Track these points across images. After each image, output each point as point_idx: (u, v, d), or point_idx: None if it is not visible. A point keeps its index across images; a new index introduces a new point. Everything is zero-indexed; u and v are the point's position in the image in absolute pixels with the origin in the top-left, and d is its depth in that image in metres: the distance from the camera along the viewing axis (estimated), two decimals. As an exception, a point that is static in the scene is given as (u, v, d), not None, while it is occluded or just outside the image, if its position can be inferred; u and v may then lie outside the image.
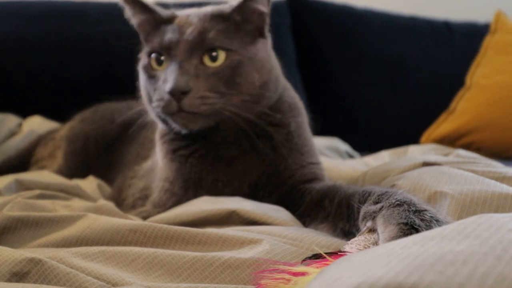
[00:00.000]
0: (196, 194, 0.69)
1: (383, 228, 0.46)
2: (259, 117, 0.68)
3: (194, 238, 0.55)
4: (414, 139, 1.57)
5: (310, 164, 0.72)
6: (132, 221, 0.58)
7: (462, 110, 1.54)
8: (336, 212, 0.59)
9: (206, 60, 0.65)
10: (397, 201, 0.49)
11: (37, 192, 0.66)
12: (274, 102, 0.71)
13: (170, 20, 0.69)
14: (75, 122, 1.02)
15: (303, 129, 0.74)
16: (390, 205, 0.49)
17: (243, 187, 0.70)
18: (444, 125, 1.55)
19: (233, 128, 0.68)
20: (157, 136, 0.77)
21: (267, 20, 0.71)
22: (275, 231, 0.54)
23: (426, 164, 0.68)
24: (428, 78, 1.70)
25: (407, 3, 1.86)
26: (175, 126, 0.68)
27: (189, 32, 0.66)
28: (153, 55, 0.68)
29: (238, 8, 0.68)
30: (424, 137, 1.58)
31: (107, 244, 0.55)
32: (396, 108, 1.67)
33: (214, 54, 0.65)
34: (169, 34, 0.66)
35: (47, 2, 1.57)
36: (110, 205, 0.64)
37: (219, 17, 0.68)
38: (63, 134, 1.01)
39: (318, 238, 0.53)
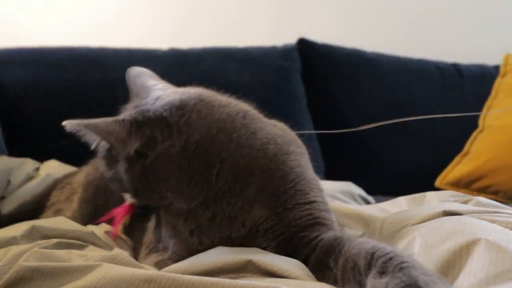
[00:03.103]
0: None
1: None
2: None
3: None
4: (428, 182, 1.55)
5: (312, 203, 0.68)
6: (147, 271, 0.58)
7: (477, 152, 1.53)
8: (343, 276, 0.57)
9: None
10: (402, 282, 0.47)
11: (54, 241, 0.65)
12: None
13: None
14: (91, 169, 1.01)
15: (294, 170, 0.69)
16: (395, 286, 0.47)
17: (240, 228, 0.67)
18: (458, 167, 1.54)
19: None
20: None
21: None
22: (296, 284, 0.53)
23: (446, 213, 0.66)
24: (440, 120, 1.70)
25: (415, 47, 1.90)
26: None
27: None
28: None
29: None
30: (438, 180, 1.56)
31: (122, 294, 0.53)
32: (409, 151, 1.67)
33: None
34: None
35: (66, 49, 1.64)
36: (125, 254, 0.63)
37: None
38: (80, 180, 1.01)
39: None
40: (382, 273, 0.50)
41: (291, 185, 0.67)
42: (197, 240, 0.69)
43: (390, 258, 0.51)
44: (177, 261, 0.66)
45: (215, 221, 0.67)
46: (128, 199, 0.75)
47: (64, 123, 0.68)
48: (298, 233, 0.66)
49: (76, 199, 0.98)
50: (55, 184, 1.09)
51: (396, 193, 1.17)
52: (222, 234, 0.67)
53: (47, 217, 0.98)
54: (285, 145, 0.70)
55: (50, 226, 0.72)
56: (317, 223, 0.67)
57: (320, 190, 0.72)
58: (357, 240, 0.60)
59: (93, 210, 0.94)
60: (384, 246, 0.54)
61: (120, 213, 0.78)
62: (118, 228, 0.79)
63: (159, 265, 0.69)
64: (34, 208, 1.03)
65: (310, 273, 0.61)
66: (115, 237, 0.79)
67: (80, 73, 1.57)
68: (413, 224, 0.65)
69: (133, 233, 0.87)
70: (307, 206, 0.67)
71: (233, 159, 0.66)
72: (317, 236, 0.65)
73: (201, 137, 0.66)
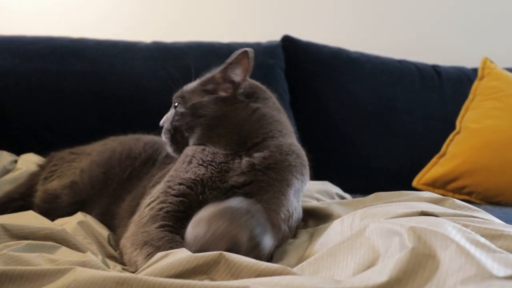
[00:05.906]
0: None
1: None
2: None
3: (179, 290, 0.54)
4: (406, 181, 1.58)
5: None
6: (119, 273, 0.58)
7: (453, 154, 1.56)
8: None
9: None
10: None
11: (24, 243, 0.64)
12: None
13: None
14: (108, 140, 1.09)
15: None
16: None
17: None
18: (435, 168, 1.57)
19: None
20: None
21: None
22: (265, 281, 0.54)
23: (424, 213, 0.68)
24: (419, 120, 1.73)
25: (396, 48, 1.92)
26: None
27: None
28: None
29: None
30: (416, 180, 1.59)
31: (93, 297, 0.54)
32: (388, 150, 1.69)
33: None
34: None
35: (46, 39, 1.60)
36: (97, 260, 0.63)
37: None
38: (95, 148, 1.06)
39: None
40: None
41: None
42: None
43: None
44: None
45: None
46: None
47: None
48: None
49: (87, 161, 1.02)
50: (51, 159, 1.11)
51: (374, 191, 1.19)
52: None
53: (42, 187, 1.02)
54: None
55: (20, 224, 0.71)
56: None
57: None
58: None
59: (102, 174, 0.99)
60: None
61: None
62: None
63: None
64: (25, 191, 1.05)
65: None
66: None
67: (61, 64, 1.54)
68: (387, 219, 0.66)
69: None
70: None
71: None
72: None
73: None
